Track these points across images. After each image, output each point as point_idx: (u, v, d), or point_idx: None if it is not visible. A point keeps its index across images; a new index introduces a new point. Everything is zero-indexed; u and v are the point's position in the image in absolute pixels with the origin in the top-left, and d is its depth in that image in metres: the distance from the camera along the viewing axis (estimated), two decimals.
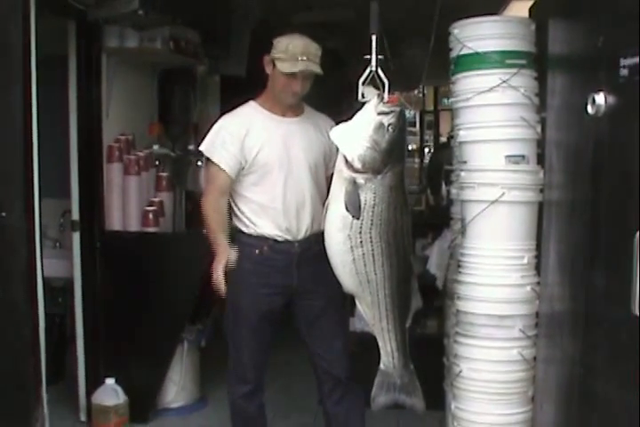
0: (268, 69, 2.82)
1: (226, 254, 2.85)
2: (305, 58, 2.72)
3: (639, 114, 1.79)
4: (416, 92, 8.99)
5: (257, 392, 3.02)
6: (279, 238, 2.85)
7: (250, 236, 2.88)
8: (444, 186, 4.45)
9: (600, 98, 1.95)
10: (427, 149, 9.47)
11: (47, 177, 3.07)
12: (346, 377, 2.97)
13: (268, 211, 2.85)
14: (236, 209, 2.91)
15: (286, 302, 2.95)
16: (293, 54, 2.73)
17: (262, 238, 2.85)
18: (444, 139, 8.37)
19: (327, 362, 2.98)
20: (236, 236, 2.93)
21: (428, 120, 9.54)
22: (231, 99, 3.09)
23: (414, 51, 5.10)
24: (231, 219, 2.93)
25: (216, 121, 2.91)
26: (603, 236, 2.03)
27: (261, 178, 2.85)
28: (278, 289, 2.90)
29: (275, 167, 2.83)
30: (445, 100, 8.27)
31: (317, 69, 2.76)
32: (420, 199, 5.59)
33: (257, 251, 2.86)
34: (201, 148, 2.87)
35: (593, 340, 2.08)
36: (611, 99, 1.93)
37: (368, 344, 2.72)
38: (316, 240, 2.71)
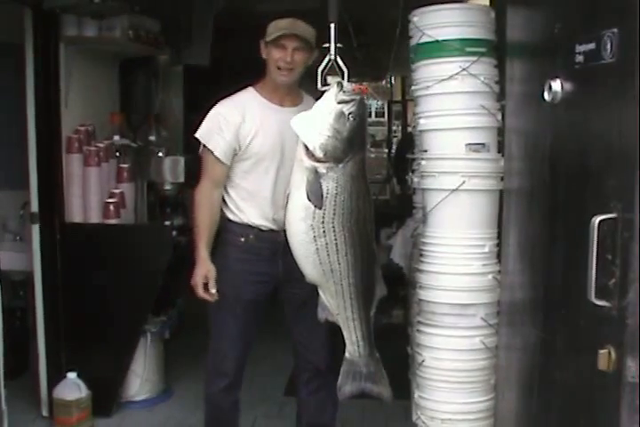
0: (264, 54, 2.81)
1: (205, 269, 2.82)
2: (291, 30, 2.72)
3: (595, 100, 1.79)
4: (384, 82, 8.99)
5: (234, 387, 3.00)
6: (264, 228, 2.84)
7: (236, 223, 2.87)
8: (410, 175, 4.45)
9: (556, 85, 1.95)
10: (395, 139, 9.47)
11: (6, 168, 3.01)
12: (325, 367, 2.97)
13: (257, 199, 2.84)
14: (224, 194, 2.89)
15: (271, 291, 2.94)
16: (280, 27, 2.74)
17: (247, 227, 2.85)
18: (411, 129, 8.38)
19: (309, 351, 2.99)
20: (223, 224, 2.90)
21: (395, 110, 9.54)
22: (195, 88, 3.04)
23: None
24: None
25: (212, 107, 2.86)
26: (560, 223, 2.04)
27: (253, 166, 2.83)
28: (264, 277, 2.89)
29: (267, 156, 2.81)
30: None
31: (304, 33, 2.73)
32: (386, 188, 5.57)
33: (242, 239, 2.85)
34: (197, 134, 2.84)
35: (552, 327, 2.09)
36: (567, 85, 1.93)
37: (333, 334, 2.71)
38: None
